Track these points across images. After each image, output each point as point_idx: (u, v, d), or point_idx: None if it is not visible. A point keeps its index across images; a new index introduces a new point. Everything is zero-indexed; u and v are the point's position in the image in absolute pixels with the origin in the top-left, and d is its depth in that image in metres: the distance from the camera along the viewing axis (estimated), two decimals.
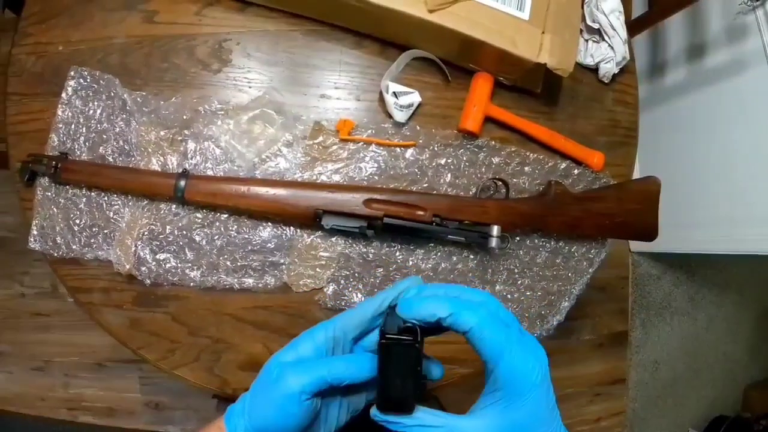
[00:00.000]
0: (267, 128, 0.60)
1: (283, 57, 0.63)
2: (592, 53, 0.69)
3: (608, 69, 0.69)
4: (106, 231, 0.58)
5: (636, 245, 1.49)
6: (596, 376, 1.40)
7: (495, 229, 0.58)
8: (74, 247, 0.58)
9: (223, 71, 0.62)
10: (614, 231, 0.65)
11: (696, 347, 1.55)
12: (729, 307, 1.58)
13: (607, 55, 0.69)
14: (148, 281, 0.58)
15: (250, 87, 0.62)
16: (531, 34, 0.61)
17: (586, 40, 0.70)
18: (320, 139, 0.61)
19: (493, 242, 0.58)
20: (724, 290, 1.57)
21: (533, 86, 0.66)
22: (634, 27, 1.02)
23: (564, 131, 0.67)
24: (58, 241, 0.58)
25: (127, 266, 0.57)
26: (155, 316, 0.59)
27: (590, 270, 0.67)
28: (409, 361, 0.33)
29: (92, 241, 0.58)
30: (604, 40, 0.69)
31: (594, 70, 0.70)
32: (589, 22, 0.69)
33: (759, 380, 1.65)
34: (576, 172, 0.67)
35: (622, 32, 0.68)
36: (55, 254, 0.58)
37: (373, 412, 0.34)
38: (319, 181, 0.60)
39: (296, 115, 0.61)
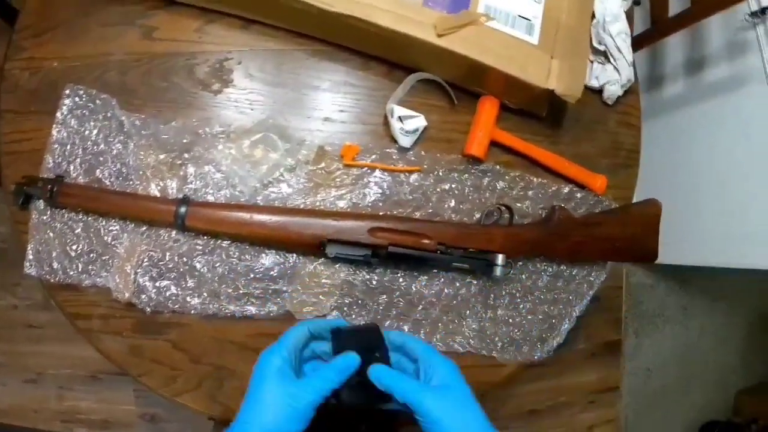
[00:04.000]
0: (270, 153, 0.59)
1: (286, 78, 0.62)
2: (597, 75, 0.69)
3: (613, 91, 0.69)
4: (104, 257, 0.57)
5: None
6: (589, 385, 1.42)
7: (500, 258, 0.58)
8: (71, 273, 0.57)
9: (224, 92, 0.61)
10: (616, 255, 0.65)
11: (688, 355, 1.58)
12: (721, 316, 1.60)
13: (613, 77, 0.68)
14: (149, 309, 0.57)
15: (252, 109, 0.61)
16: (540, 59, 0.60)
17: (592, 62, 0.69)
18: (323, 164, 0.60)
19: (498, 271, 0.58)
20: (717, 299, 1.59)
21: (539, 110, 0.65)
22: (633, 44, 1.00)
23: (567, 154, 0.67)
24: (55, 267, 0.56)
25: (127, 294, 0.56)
26: (156, 343, 0.58)
27: (590, 292, 0.68)
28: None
29: (90, 267, 0.57)
30: (609, 62, 0.68)
31: (598, 91, 0.70)
32: (595, 44, 0.68)
33: (750, 386, 1.68)
34: (579, 195, 0.67)
35: (629, 55, 0.68)
36: (52, 280, 0.56)
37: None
38: (323, 209, 0.59)
39: (299, 139, 0.60)
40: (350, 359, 0.43)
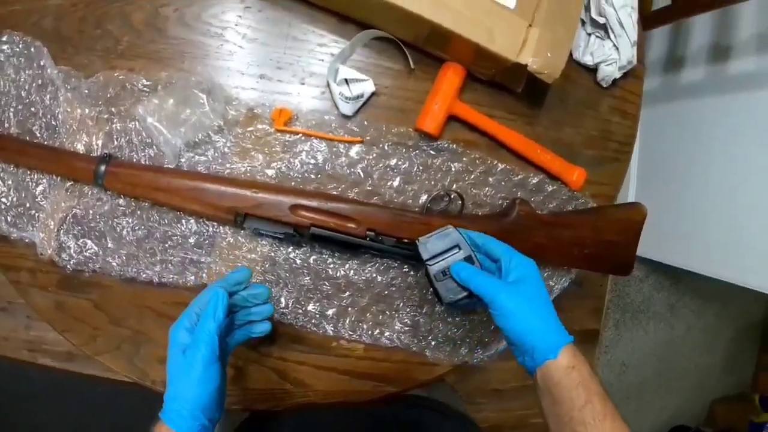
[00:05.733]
0: (195, 111, 0.53)
1: (223, 28, 0.56)
2: (593, 51, 0.58)
3: (609, 72, 0.58)
4: (31, 212, 0.55)
5: None
6: None
7: None
8: (2, 225, 0.55)
9: (156, 42, 0.55)
10: (583, 263, 0.57)
11: (669, 355, 1.50)
12: (708, 319, 1.51)
13: (610, 56, 0.57)
14: (69, 267, 0.55)
15: (182, 62, 0.55)
16: (514, 26, 0.51)
17: (589, 35, 0.58)
18: (253, 127, 0.54)
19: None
20: (706, 301, 1.50)
21: (513, 85, 0.56)
22: (652, 19, 0.89)
23: (545, 139, 0.58)
24: None
25: (49, 251, 0.54)
26: (79, 301, 0.57)
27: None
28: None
29: (18, 221, 0.55)
30: (609, 38, 0.57)
31: (593, 70, 0.59)
32: (594, 15, 0.57)
33: (727, 395, 1.60)
34: (550, 188, 0.58)
35: (632, 32, 0.56)
36: None
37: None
38: (245, 178, 0.54)
39: (229, 97, 0.54)
40: (214, 296, 0.43)
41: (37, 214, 0.55)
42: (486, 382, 1.20)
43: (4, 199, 0.55)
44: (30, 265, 0.57)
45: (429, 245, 0.48)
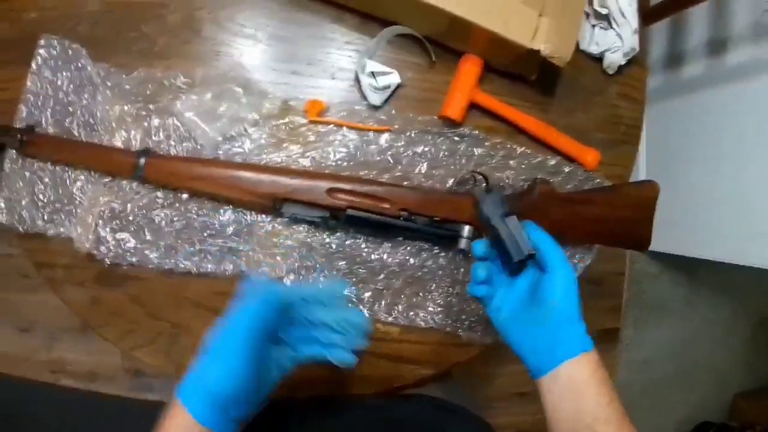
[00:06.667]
0: (232, 105, 0.56)
1: (255, 29, 0.59)
2: (598, 41, 0.63)
3: (614, 59, 0.62)
4: (68, 207, 0.56)
5: None
6: None
7: (466, 230, 0.54)
8: (38, 222, 0.56)
9: (192, 42, 0.59)
10: (602, 238, 0.60)
11: (688, 350, 1.50)
12: (726, 313, 1.52)
13: (614, 44, 0.62)
14: (107, 261, 0.56)
15: (218, 60, 0.58)
16: (526, 15, 0.55)
17: (593, 26, 0.63)
18: (287, 119, 0.57)
19: (463, 243, 0.54)
20: (723, 295, 1.51)
21: (528, 73, 0.60)
22: (653, 13, 0.94)
23: (559, 124, 0.62)
24: (24, 216, 0.57)
25: (87, 245, 0.56)
26: (115, 295, 0.58)
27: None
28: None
29: (55, 217, 0.57)
30: (612, 27, 0.62)
31: (599, 59, 0.64)
32: (597, 7, 0.62)
33: (750, 389, 1.59)
34: (566, 169, 0.61)
35: (633, 21, 0.61)
36: (21, 229, 0.56)
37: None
38: (281, 166, 0.56)
39: (264, 92, 0.57)
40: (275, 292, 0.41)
41: (74, 210, 0.57)
42: (505, 386, 1.21)
43: (41, 196, 0.57)
44: (66, 262, 0.58)
45: (494, 201, 0.46)
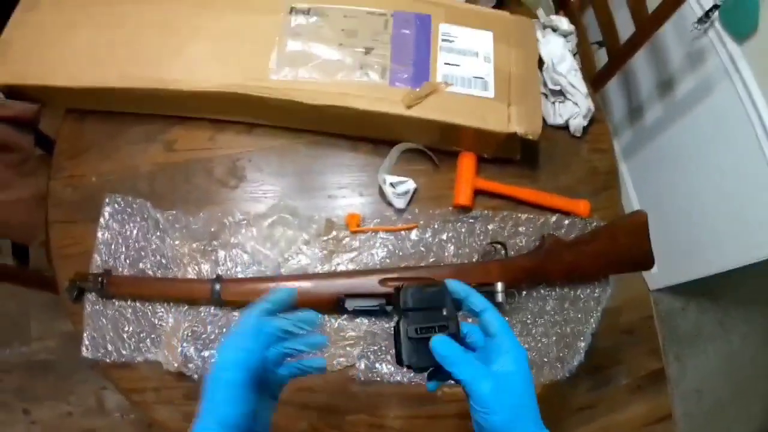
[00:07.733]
0: (286, 231, 0.68)
1: (289, 167, 0.73)
2: (560, 113, 0.78)
3: (577, 124, 0.77)
4: (153, 336, 0.63)
5: (652, 282, 1.50)
6: (641, 418, 1.37)
7: (499, 286, 0.63)
8: (124, 352, 0.63)
9: (240, 186, 0.72)
10: (611, 267, 0.70)
11: (735, 367, 1.51)
12: (760, 320, 1.54)
13: (574, 111, 0.77)
14: (196, 376, 0.62)
15: (266, 197, 0.71)
16: (498, 109, 0.69)
17: (553, 103, 0.79)
18: (333, 234, 0.69)
19: (499, 297, 0.63)
20: (751, 305, 1.54)
21: (512, 154, 0.74)
22: (600, 79, 1.07)
23: (548, 188, 0.75)
24: (109, 348, 0.63)
25: (176, 364, 0.62)
26: None
27: (599, 308, 0.71)
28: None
29: (141, 345, 0.63)
30: (567, 99, 0.78)
31: (565, 127, 0.79)
32: (551, 86, 0.78)
33: None
34: (566, 222, 0.73)
35: (582, 87, 0.77)
36: (107, 360, 0.62)
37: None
38: (337, 271, 0.67)
39: (309, 216, 0.69)
40: (248, 319, 0.41)
41: (158, 338, 0.64)
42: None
43: (125, 329, 0.64)
44: (154, 385, 0.63)
45: (411, 294, 0.43)
